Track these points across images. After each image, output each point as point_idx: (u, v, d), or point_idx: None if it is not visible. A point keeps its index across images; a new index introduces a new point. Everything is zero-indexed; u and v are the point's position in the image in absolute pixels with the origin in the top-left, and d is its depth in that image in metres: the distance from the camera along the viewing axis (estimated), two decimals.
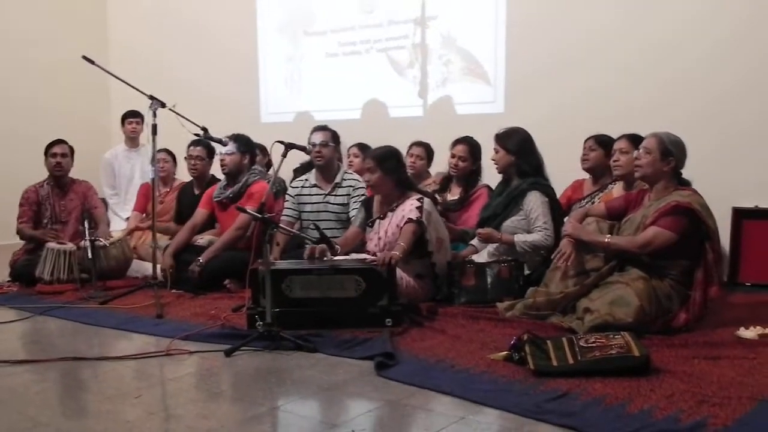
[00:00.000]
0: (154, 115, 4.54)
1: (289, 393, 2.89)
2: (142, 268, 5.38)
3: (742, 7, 5.08)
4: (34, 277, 5.04)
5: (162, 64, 7.87)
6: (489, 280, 4.22)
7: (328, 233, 4.30)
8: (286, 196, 5.21)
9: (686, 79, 5.26)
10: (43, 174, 5.58)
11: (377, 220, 4.36)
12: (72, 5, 8.31)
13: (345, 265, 3.89)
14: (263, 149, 5.89)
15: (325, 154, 5.00)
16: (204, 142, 5.39)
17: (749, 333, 3.43)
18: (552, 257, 3.88)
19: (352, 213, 4.83)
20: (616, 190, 4.43)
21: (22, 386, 3.01)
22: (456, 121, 6.16)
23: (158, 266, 4.72)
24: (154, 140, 4.56)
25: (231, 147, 5.07)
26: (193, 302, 4.51)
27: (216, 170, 5.54)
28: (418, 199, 4.18)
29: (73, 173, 5.64)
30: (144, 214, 6.09)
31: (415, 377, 2.93)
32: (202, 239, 5.20)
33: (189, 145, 5.60)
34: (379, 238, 4.27)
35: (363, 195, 4.85)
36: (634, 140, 4.09)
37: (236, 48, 7.62)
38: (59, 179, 5.52)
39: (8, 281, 5.26)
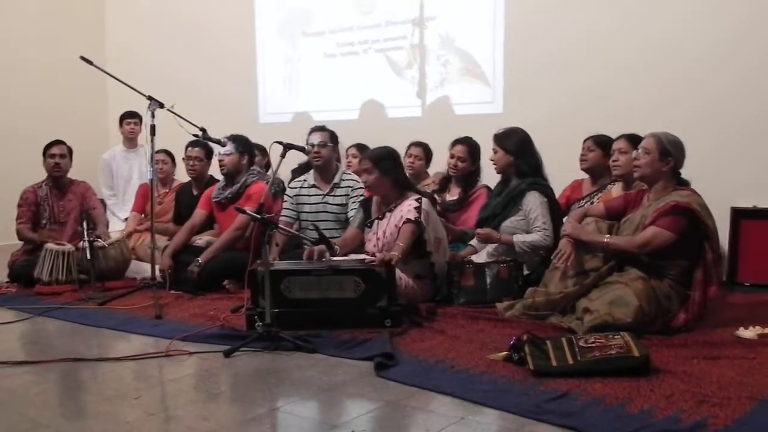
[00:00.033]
0: (153, 115, 4.53)
1: (289, 394, 2.89)
2: (140, 268, 5.38)
3: (740, 8, 5.09)
4: (33, 278, 5.04)
5: (160, 64, 7.87)
6: (488, 280, 4.22)
7: (327, 233, 4.30)
8: (285, 196, 5.21)
9: (685, 79, 5.27)
10: (41, 174, 5.57)
11: (376, 221, 4.36)
12: (69, 5, 8.31)
13: (344, 265, 3.89)
14: (262, 150, 5.88)
15: (323, 154, 5.00)
16: (202, 142, 5.38)
17: (748, 333, 3.43)
18: (552, 257, 3.88)
19: (351, 213, 4.83)
20: (615, 190, 4.43)
21: (22, 387, 3.00)
22: (454, 122, 6.17)
23: (157, 267, 4.71)
24: (152, 141, 4.56)
25: (230, 147, 5.07)
26: (192, 303, 4.51)
27: (215, 171, 5.54)
28: (417, 200, 4.17)
29: (71, 174, 5.63)
30: (143, 215, 6.08)
31: (414, 378, 2.93)
32: (200, 240, 5.20)
33: (187, 146, 5.59)
34: (378, 239, 4.27)
35: (362, 195, 4.85)
36: (633, 140, 4.09)
37: (234, 48, 7.62)
38: (58, 180, 5.51)
39: (7, 282, 5.26)
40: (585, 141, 4.71)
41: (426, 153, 5.70)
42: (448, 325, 3.75)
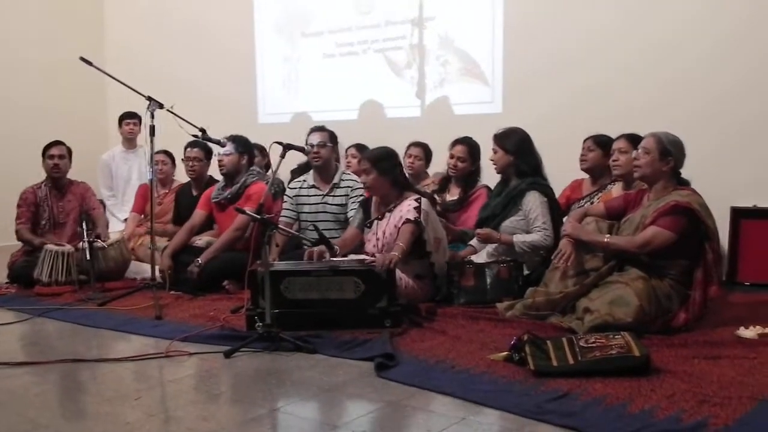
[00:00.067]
0: (152, 116, 4.53)
1: (289, 394, 2.89)
2: (140, 269, 5.37)
3: (740, 8, 5.09)
4: (33, 279, 5.03)
5: (159, 64, 7.87)
6: (488, 280, 4.22)
7: (327, 234, 4.30)
8: (285, 197, 5.21)
9: (685, 79, 5.27)
10: (40, 175, 5.57)
11: (375, 221, 4.36)
12: (68, 5, 8.31)
13: (344, 266, 3.89)
14: (262, 150, 5.89)
15: (323, 154, 5.00)
16: (201, 143, 5.38)
17: (749, 332, 3.43)
18: (552, 257, 3.88)
19: (351, 213, 4.82)
20: (615, 190, 4.43)
21: (22, 388, 3.00)
22: (454, 122, 6.17)
23: (157, 267, 4.70)
24: (152, 141, 4.55)
25: (229, 148, 5.06)
26: (191, 303, 4.50)
27: (214, 171, 5.53)
28: (416, 200, 4.17)
29: (71, 174, 5.63)
30: (142, 215, 6.08)
31: (415, 378, 2.93)
32: (200, 240, 5.20)
33: (186, 147, 5.59)
34: (378, 239, 4.27)
35: (361, 195, 4.84)
36: (633, 140, 4.09)
37: (234, 49, 7.62)
38: (57, 181, 5.51)
39: (6, 283, 5.25)
40: (585, 141, 4.70)
41: (425, 153, 5.70)
42: (448, 326, 3.74)
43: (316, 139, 4.99)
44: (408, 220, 4.07)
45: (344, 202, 5.00)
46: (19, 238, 5.44)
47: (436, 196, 4.99)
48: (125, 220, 6.38)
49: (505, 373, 2.94)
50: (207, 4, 7.81)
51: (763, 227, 4.93)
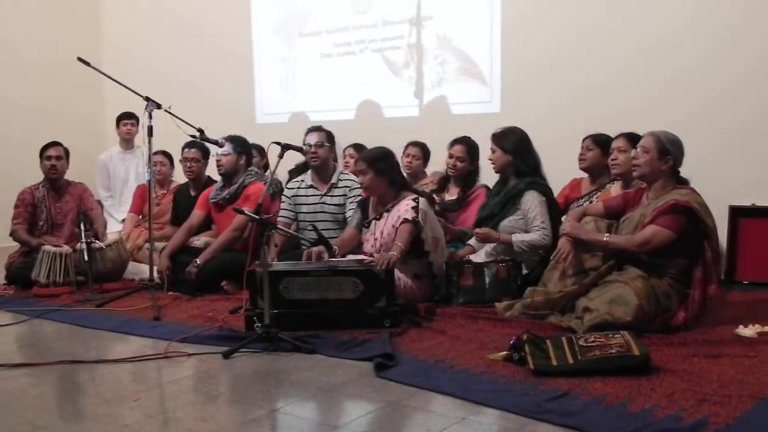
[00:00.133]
0: (150, 116, 4.52)
1: (288, 395, 2.88)
2: (138, 270, 5.36)
3: (739, 7, 5.09)
4: (30, 280, 5.02)
5: (156, 65, 7.85)
6: (487, 280, 4.21)
7: (325, 233, 4.30)
8: (283, 197, 5.20)
9: (683, 78, 5.26)
10: (38, 176, 5.56)
11: (373, 221, 4.35)
12: (65, 6, 8.28)
13: (343, 266, 3.88)
14: (261, 150, 5.88)
15: (320, 154, 4.99)
16: (198, 143, 5.37)
17: (748, 331, 3.43)
18: (551, 257, 3.88)
19: (349, 213, 4.82)
20: (615, 189, 4.42)
21: (20, 390, 2.99)
22: (452, 122, 6.16)
23: (155, 268, 4.69)
24: (149, 142, 4.54)
25: (227, 148, 5.06)
26: (190, 304, 4.50)
27: (212, 171, 5.52)
28: (414, 199, 4.16)
29: (68, 175, 5.61)
30: (140, 216, 6.06)
31: (414, 378, 2.92)
32: (198, 241, 5.19)
33: (183, 147, 5.58)
34: (375, 239, 4.26)
35: (359, 195, 4.83)
36: (632, 139, 4.08)
37: (231, 49, 7.61)
38: (54, 182, 5.50)
39: (4, 284, 5.23)
40: (584, 140, 4.70)
41: (424, 153, 5.70)
42: (447, 325, 3.74)
43: (313, 139, 4.99)
44: (406, 220, 4.06)
45: (342, 202, 5.00)
46: (15, 239, 5.43)
47: (434, 196, 4.99)
48: (123, 220, 6.37)
49: (504, 373, 2.94)
50: (204, 4, 7.80)
51: (762, 226, 4.93)
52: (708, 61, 5.18)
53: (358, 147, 6.00)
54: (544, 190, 4.40)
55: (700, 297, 3.59)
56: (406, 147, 5.68)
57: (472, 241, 4.62)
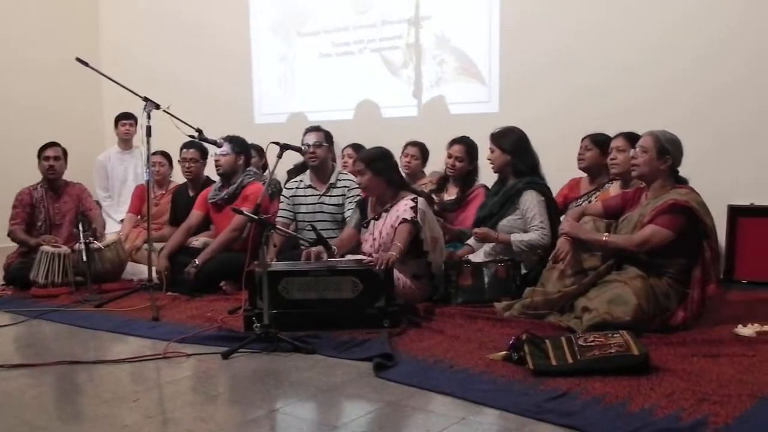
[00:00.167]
0: (149, 116, 4.51)
1: (288, 395, 2.88)
2: (137, 270, 5.36)
3: (737, 6, 5.09)
4: (29, 281, 5.01)
5: (155, 65, 7.85)
6: (486, 279, 4.21)
7: (324, 233, 4.29)
8: (281, 197, 5.20)
9: (682, 78, 5.27)
10: (36, 176, 5.55)
11: (372, 221, 4.35)
12: (64, 6, 8.27)
13: (342, 266, 3.88)
14: (260, 150, 5.87)
15: (319, 154, 4.99)
16: (197, 144, 5.37)
17: (747, 330, 3.44)
18: (550, 257, 3.88)
19: (348, 213, 4.82)
20: (613, 188, 4.42)
21: (18, 391, 2.99)
22: (450, 121, 6.16)
23: (153, 268, 4.69)
24: (148, 142, 4.54)
25: (226, 148, 5.05)
26: (188, 304, 4.49)
27: (211, 172, 5.52)
28: (413, 199, 4.16)
29: (66, 175, 5.60)
30: (139, 216, 6.06)
31: (414, 378, 2.92)
32: (197, 241, 5.19)
33: (182, 148, 5.58)
34: (374, 239, 4.26)
35: (358, 195, 4.83)
36: (631, 138, 4.08)
37: (229, 49, 7.60)
38: (53, 182, 5.49)
39: (2, 285, 5.23)
40: (582, 140, 4.69)
41: (422, 152, 5.70)
42: (446, 325, 3.74)
43: (312, 139, 4.99)
44: (405, 220, 4.06)
45: (341, 202, 4.99)
46: (12, 239, 5.42)
47: (433, 196, 4.99)
48: (121, 221, 6.36)
49: (504, 373, 2.93)
50: (203, 4, 7.79)
51: (760, 225, 4.93)
52: (706, 60, 5.19)
53: (356, 147, 6.00)
54: (543, 189, 4.40)
55: (699, 296, 3.59)
56: (405, 147, 5.68)
57: (471, 241, 4.62)
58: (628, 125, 4.36)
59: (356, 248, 4.41)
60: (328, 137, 5.13)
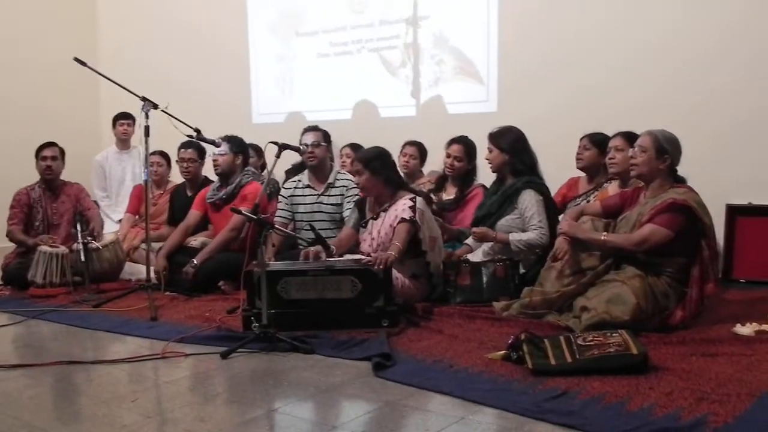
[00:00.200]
0: (147, 116, 4.51)
1: (287, 395, 2.87)
2: (135, 270, 5.35)
3: (736, 7, 5.09)
4: (27, 281, 5.01)
5: (152, 65, 7.84)
6: (485, 279, 4.21)
7: (322, 233, 4.29)
8: (279, 197, 5.20)
9: (680, 77, 5.27)
10: (34, 176, 5.54)
11: (370, 221, 4.35)
12: (61, 5, 8.26)
13: (341, 266, 3.88)
14: (258, 150, 5.87)
15: (317, 154, 4.99)
16: (195, 143, 5.37)
17: (746, 329, 3.44)
18: (548, 257, 3.87)
19: (346, 213, 4.81)
20: (612, 188, 4.43)
21: (16, 391, 2.98)
22: (449, 121, 6.16)
23: (152, 268, 4.68)
24: (146, 142, 4.53)
25: (224, 148, 5.05)
26: (187, 304, 4.49)
27: (209, 171, 5.51)
28: (411, 199, 4.16)
29: (64, 175, 5.60)
30: (137, 216, 6.05)
31: (413, 378, 2.92)
32: (195, 241, 5.19)
33: (180, 148, 5.57)
34: (373, 239, 4.26)
35: (356, 195, 4.83)
36: (630, 138, 4.09)
37: (227, 49, 7.60)
38: (50, 182, 5.48)
39: (0, 285, 5.22)
40: (581, 139, 4.69)
41: (420, 152, 5.70)
42: (445, 325, 3.74)
43: (310, 138, 4.98)
44: (403, 219, 4.06)
45: (339, 202, 4.99)
46: (10, 239, 5.42)
47: (432, 195, 4.99)
48: (119, 221, 6.35)
49: (503, 372, 2.93)
50: (201, 4, 7.78)
51: (759, 224, 4.94)
52: (704, 60, 5.19)
53: (354, 147, 6.00)
54: (541, 189, 4.40)
55: (698, 295, 3.60)
56: (403, 146, 5.68)
57: (470, 241, 4.61)
58: (626, 125, 4.36)
59: (355, 248, 4.41)
60: (326, 137, 5.12)
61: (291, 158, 5.71)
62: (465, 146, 5.03)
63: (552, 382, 2.78)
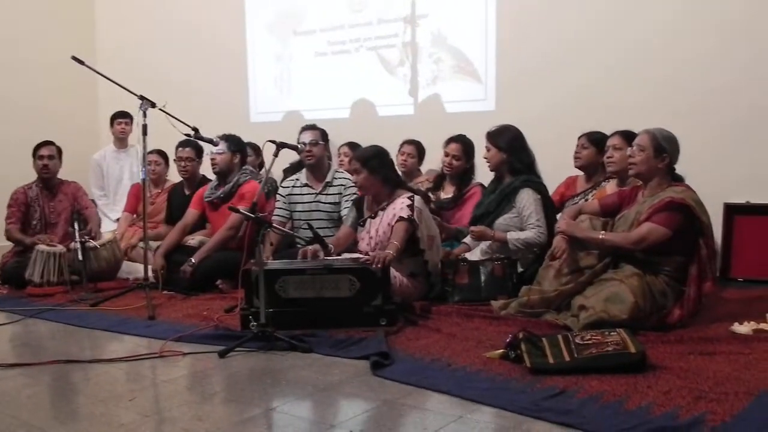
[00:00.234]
0: (144, 115, 4.50)
1: (285, 394, 2.87)
2: (133, 269, 5.35)
3: (733, 6, 5.08)
4: (24, 280, 5.01)
5: (150, 64, 7.83)
6: (482, 278, 4.21)
7: (320, 232, 4.29)
8: (277, 195, 5.20)
9: (678, 76, 5.27)
10: (32, 175, 5.54)
11: (368, 220, 4.35)
12: (60, 5, 8.24)
13: (339, 264, 3.87)
14: (256, 149, 5.87)
15: (315, 153, 4.99)
16: (192, 142, 5.36)
17: (743, 328, 3.44)
18: (546, 256, 3.87)
19: (344, 212, 4.81)
20: (610, 186, 4.43)
21: (14, 390, 2.98)
22: (447, 120, 6.16)
23: (149, 267, 4.68)
24: (144, 141, 4.53)
25: (222, 146, 5.05)
26: (184, 303, 4.49)
27: (207, 170, 5.51)
28: (409, 197, 4.16)
29: (61, 174, 5.59)
30: (134, 215, 6.05)
31: (411, 376, 2.92)
32: (193, 239, 5.19)
33: (177, 147, 5.56)
34: (371, 238, 4.26)
35: (354, 194, 4.83)
36: (628, 137, 4.09)
37: (225, 47, 7.58)
38: (47, 181, 5.48)
39: None
40: (579, 138, 4.70)
41: (419, 151, 5.70)
42: (443, 324, 3.74)
43: (307, 137, 4.98)
44: (401, 218, 4.06)
45: (337, 201, 4.99)
46: (8, 238, 5.42)
47: (430, 194, 4.99)
48: (117, 220, 6.35)
49: (501, 371, 2.93)
50: (199, 3, 7.77)
51: (756, 223, 4.95)
52: (702, 58, 5.19)
53: (352, 145, 5.99)
54: (539, 188, 4.40)
55: (696, 294, 3.60)
56: (401, 145, 5.68)
57: (468, 239, 4.62)
58: (624, 123, 4.36)
59: (353, 247, 4.41)
60: (324, 136, 5.12)
61: (289, 157, 5.71)
62: (463, 145, 5.03)
63: (550, 380, 2.78)
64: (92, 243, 5.07)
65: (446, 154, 5.04)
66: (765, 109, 4.99)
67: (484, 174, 4.90)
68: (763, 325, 3.46)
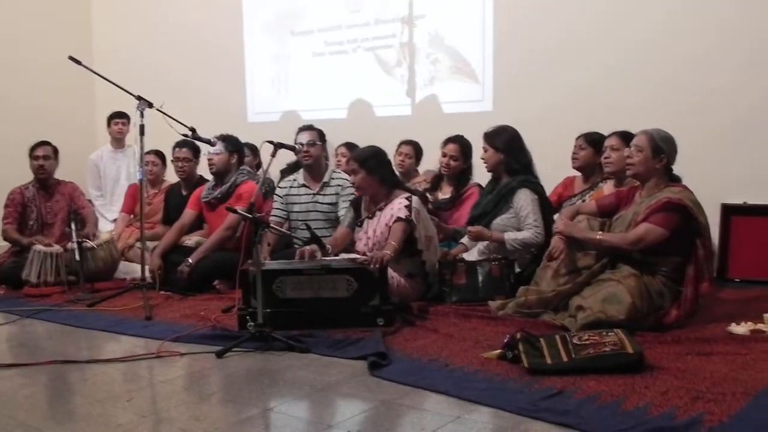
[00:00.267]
0: (142, 115, 4.49)
1: (282, 394, 2.87)
2: (130, 269, 5.34)
3: (731, 6, 5.09)
4: (21, 280, 4.99)
5: (147, 64, 7.82)
6: (480, 278, 4.22)
7: (318, 232, 4.28)
8: (275, 196, 5.19)
9: (675, 76, 5.28)
10: (29, 176, 5.53)
11: (366, 220, 4.35)
12: (57, 5, 8.23)
13: (336, 265, 3.87)
14: (253, 149, 5.86)
15: (312, 153, 4.98)
16: (189, 142, 5.36)
17: (741, 328, 3.45)
18: (544, 256, 3.88)
19: (341, 212, 4.81)
20: (607, 187, 4.42)
21: (11, 390, 2.97)
22: (444, 120, 6.16)
23: (146, 267, 4.67)
24: (141, 141, 4.52)
25: (219, 147, 5.05)
26: (182, 303, 4.49)
27: (204, 170, 5.50)
28: (407, 198, 4.16)
29: (59, 174, 5.59)
30: (132, 215, 6.04)
31: (408, 377, 2.92)
32: (190, 240, 5.18)
33: (174, 147, 5.56)
34: (368, 238, 4.26)
35: (352, 194, 4.83)
36: (625, 137, 4.09)
37: (222, 48, 7.58)
38: (44, 181, 5.47)
39: None
40: (576, 139, 4.70)
41: (416, 151, 5.70)
42: (440, 324, 3.74)
43: (305, 138, 4.98)
44: (399, 219, 4.06)
45: (335, 201, 4.99)
46: (5, 238, 5.41)
47: (428, 195, 4.99)
48: (114, 220, 6.34)
49: (498, 371, 2.93)
50: (196, 4, 7.77)
51: (753, 224, 4.96)
52: (699, 59, 5.20)
53: (350, 146, 5.99)
54: (536, 188, 4.40)
55: (693, 295, 3.60)
56: (399, 146, 5.68)
57: (465, 240, 4.62)
58: (621, 124, 4.36)
59: (350, 247, 4.41)
60: (321, 136, 5.12)
61: (286, 157, 5.70)
62: (460, 145, 5.03)
63: (548, 381, 2.78)
64: (89, 243, 5.06)
65: (444, 155, 5.04)
66: (763, 110, 5.00)
67: (481, 174, 4.90)
68: (760, 326, 3.47)
